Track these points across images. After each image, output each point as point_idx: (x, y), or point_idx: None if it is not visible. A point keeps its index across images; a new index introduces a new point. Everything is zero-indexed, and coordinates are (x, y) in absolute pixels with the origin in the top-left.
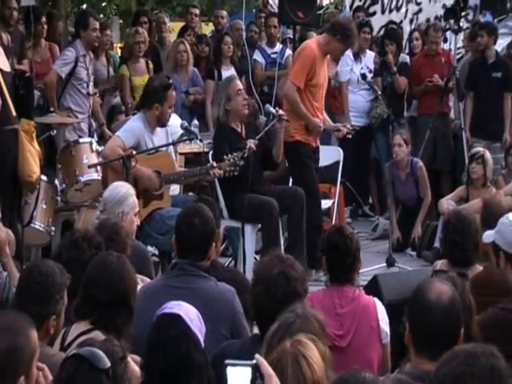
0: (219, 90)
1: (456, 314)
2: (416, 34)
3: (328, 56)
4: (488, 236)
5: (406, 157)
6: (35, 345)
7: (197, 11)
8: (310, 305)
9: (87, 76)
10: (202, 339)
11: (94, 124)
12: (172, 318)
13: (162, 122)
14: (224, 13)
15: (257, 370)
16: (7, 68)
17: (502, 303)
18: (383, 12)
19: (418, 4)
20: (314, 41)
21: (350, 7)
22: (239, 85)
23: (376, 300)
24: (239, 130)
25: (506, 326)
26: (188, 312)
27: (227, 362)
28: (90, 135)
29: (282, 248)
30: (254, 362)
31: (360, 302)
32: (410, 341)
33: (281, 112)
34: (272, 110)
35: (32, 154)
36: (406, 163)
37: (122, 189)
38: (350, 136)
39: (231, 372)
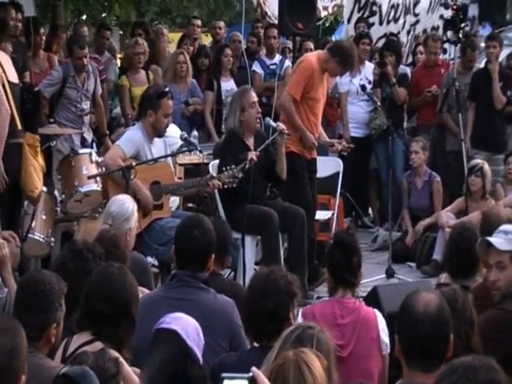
0: (233, 99)
1: (445, 322)
2: (420, 47)
3: None
4: (500, 243)
5: (424, 164)
6: (26, 343)
7: (199, 22)
8: (312, 315)
9: (78, 95)
10: (199, 353)
11: (88, 138)
12: (168, 334)
13: (158, 132)
14: (221, 23)
15: (253, 383)
16: (15, 80)
17: (501, 304)
18: (381, 23)
19: (416, 15)
20: (314, 55)
21: (348, 20)
22: (254, 97)
23: (376, 311)
24: (248, 142)
25: (503, 326)
26: (186, 327)
27: (224, 375)
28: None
29: (282, 259)
30: (251, 374)
31: (361, 313)
32: (400, 354)
33: (281, 126)
34: (272, 123)
35: (36, 169)
36: (423, 171)
37: (130, 205)
38: (345, 153)
39: None
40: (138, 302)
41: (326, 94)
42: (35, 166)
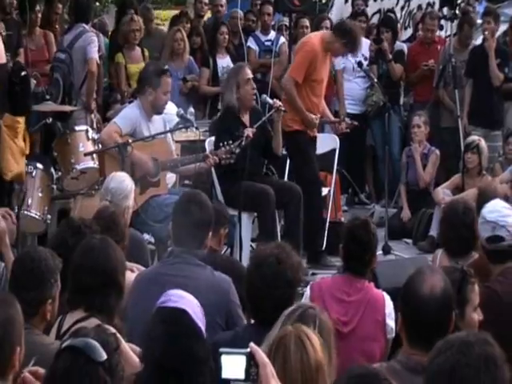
0: (228, 76)
1: (449, 304)
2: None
3: None
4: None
5: (424, 139)
6: (22, 316)
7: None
8: (319, 289)
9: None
10: (204, 331)
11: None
12: (177, 313)
13: (157, 109)
14: (223, 1)
15: (251, 359)
16: (2, 59)
17: (488, 282)
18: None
19: None
20: (317, 35)
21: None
22: (249, 73)
23: (385, 295)
24: (244, 118)
25: (490, 305)
26: (192, 306)
27: (222, 350)
28: None
29: (279, 236)
30: (249, 350)
31: (368, 294)
32: (402, 330)
33: (278, 103)
34: (269, 100)
35: (13, 151)
36: (423, 146)
37: (129, 183)
38: (348, 130)
39: (226, 360)
40: (125, 269)
41: (327, 74)
42: (12, 147)
